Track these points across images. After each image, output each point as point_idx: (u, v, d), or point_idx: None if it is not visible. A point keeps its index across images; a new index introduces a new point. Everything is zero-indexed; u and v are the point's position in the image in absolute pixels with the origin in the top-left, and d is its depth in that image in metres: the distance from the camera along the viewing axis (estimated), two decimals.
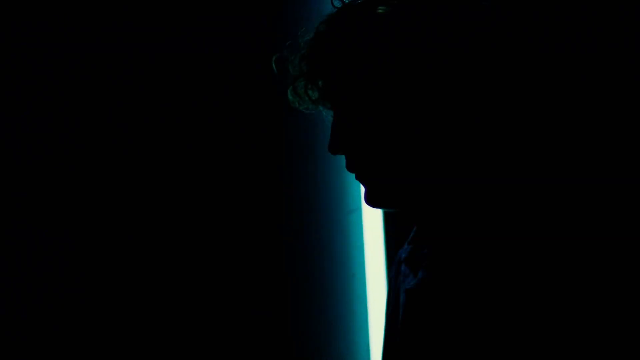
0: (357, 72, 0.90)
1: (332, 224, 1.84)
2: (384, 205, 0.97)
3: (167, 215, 1.71)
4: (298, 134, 1.81)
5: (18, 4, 1.64)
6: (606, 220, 0.85)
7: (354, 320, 1.84)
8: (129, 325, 1.66)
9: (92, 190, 1.66)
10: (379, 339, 1.81)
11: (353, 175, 0.97)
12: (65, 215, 1.64)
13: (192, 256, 1.72)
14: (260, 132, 1.78)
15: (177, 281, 1.70)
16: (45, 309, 1.61)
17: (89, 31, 1.67)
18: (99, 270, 1.65)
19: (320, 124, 1.09)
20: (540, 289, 0.82)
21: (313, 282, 1.82)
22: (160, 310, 1.68)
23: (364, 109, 0.91)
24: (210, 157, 1.74)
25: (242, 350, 1.74)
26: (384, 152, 0.91)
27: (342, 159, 0.97)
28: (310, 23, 0.98)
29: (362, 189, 0.98)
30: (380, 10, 0.89)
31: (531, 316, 0.81)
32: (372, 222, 1.83)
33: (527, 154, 0.89)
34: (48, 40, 1.66)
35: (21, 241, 1.61)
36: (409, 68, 0.87)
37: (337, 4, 0.95)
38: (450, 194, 0.92)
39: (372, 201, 0.95)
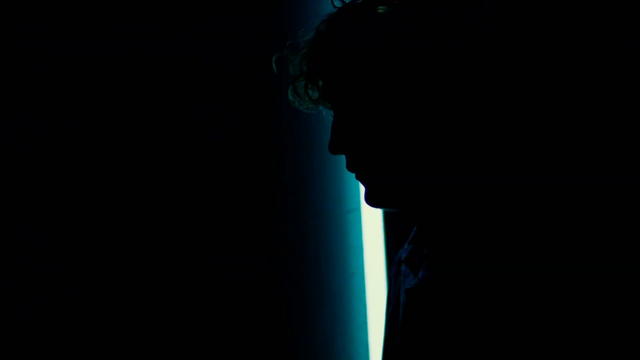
0: (357, 72, 0.90)
1: (331, 224, 1.84)
2: (384, 204, 0.97)
3: (167, 215, 1.71)
4: (297, 134, 1.81)
5: (18, 3, 1.64)
6: (607, 220, 0.85)
7: (353, 320, 1.84)
8: (128, 325, 1.66)
9: (91, 190, 1.66)
10: (378, 338, 1.81)
11: (352, 175, 0.97)
12: (65, 215, 1.64)
13: (191, 256, 1.72)
14: (259, 132, 1.78)
15: (177, 281, 1.70)
16: (45, 309, 1.61)
17: (85, 31, 1.67)
18: (99, 270, 1.65)
19: (320, 123, 1.09)
20: (540, 289, 0.82)
21: (312, 281, 1.82)
22: (161, 310, 1.68)
23: (364, 109, 0.91)
24: (208, 157, 1.74)
25: (241, 350, 1.74)
26: (384, 151, 0.91)
27: (341, 159, 0.97)
28: (309, 23, 0.98)
29: (362, 189, 0.98)
30: (380, 10, 0.89)
31: (531, 316, 0.81)
32: (372, 222, 1.83)
33: (528, 154, 0.89)
34: (48, 40, 1.66)
35: (21, 241, 1.61)
36: (409, 68, 0.87)
37: (338, 3, 0.95)
38: (450, 193, 0.92)
39: (372, 201, 0.95)
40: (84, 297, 1.63)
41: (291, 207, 1.81)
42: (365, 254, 1.85)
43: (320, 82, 0.98)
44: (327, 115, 1.02)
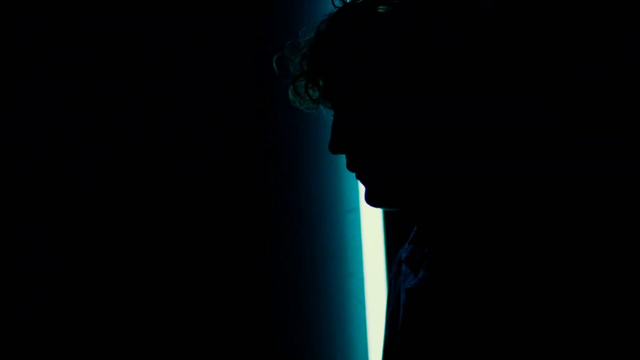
0: (357, 71, 0.90)
1: (330, 224, 1.84)
2: (385, 204, 0.97)
3: (167, 216, 1.71)
4: (296, 134, 1.81)
5: (18, 3, 1.64)
6: (608, 219, 0.84)
7: (352, 319, 1.84)
8: (128, 325, 1.66)
9: (91, 190, 1.66)
10: (377, 338, 1.81)
11: (351, 175, 0.97)
12: (65, 215, 1.64)
13: (190, 256, 1.72)
14: (258, 131, 1.78)
15: (177, 281, 1.70)
16: (45, 309, 1.61)
17: (84, 31, 1.68)
18: (99, 270, 1.65)
19: (319, 123, 1.09)
20: (541, 289, 0.82)
21: (310, 281, 1.82)
22: (161, 310, 1.68)
23: (365, 109, 0.91)
24: (207, 157, 1.74)
25: (239, 350, 1.74)
26: (384, 151, 0.91)
27: (340, 159, 0.97)
28: (310, 22, 0.98)
29: (362, 189, 0.98)
30: (381, 10, 0.89)
31: (532, 316, 0.81)
32: (371, 222, 1.83)
33: (529, 154, 0.89)
34: (48, 40, 1.66)
35: (21, 241, 1.61)
36: (409, 67, 0.87)
37: (338, 3, 0.95)
38: (451, 193, 0.92)
39: (372, 201, 0.95)
40: (84, 297, 1.63)
41: (290, 206, 1.81)
42: (364, 253, 1.85)
43: (320, 82, 0.98)
44: (328, 115, 1.02)
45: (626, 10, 0.89)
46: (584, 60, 0.87)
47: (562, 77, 0.86)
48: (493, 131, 0.88)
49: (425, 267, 0.97)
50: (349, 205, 1.85)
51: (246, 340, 1.74)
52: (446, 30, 0.85)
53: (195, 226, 1.73)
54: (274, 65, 1.05)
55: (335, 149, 0.95)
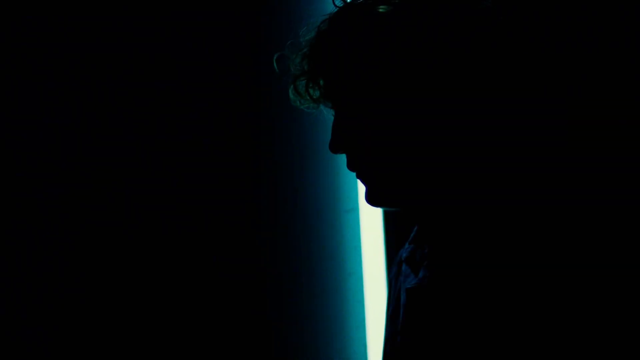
0: (358, 71, 0.90)
1: (328, 224, 1.84)
2: (385, 204, 0.97)
3: (166, 216, 1.71)
4: (295, 134, 1.81)
5: (18, 3, 1.64)
6: (608, 220, 0.84)
7: (350, 319, 1.84)
8: (127, 325, 1.66)
9: (91, 190, 1.66)
10: (376, 338, 1.81)
11: (350, 175, 0.97)
12: (65, 215, 1.64)
13: (189, 256, 1.72)
14: (257, 131, 1.78)
15: (177, 281, 1.70)
16: (45, 309, 1.61)
17: (83, 31, 1.68)
18: (99, 270, 1.65)
19: (318, 123, 1.09)
20: (541, 289, 0.82)
21: (310, 281, 1.82)
22: (161, 310, 1.68)
23: (365, 108, 0.91)
24: (206, 157, 1.74)
25: (238, 349, 1.73)
26: (384, 151, 0.91)
27: (339, 159, 0.97)
28: (310, 22, 0.98)
29: (361, 189, 0.98)
30: (381, 10, 0.89)
31: (532, 316, 0.81)
32: (371, 222, 1.83)
33: (529, 154, 0.89)
34: (47, 40, 1.66)
35: (21, 241, 1.61)
36: (410, 67, 0.87)
37: (339, 3, 0.95)
38: (451, 193, 0.92)
39: (372, 200, 0.95)
40: (84, 297, 1.63)
41: (288, 206, 1.81)
42: (363, 253, 1.85)
43: (321, 81, 0.98)
44: (328, 115, 1.02)
45: (626, 10, 0.89)
46: (584, 60, 0.87)
47: (562, 77, 0.86)
48: (493, 131, 0.88)
49: (425, 266, 0.97)
50: (348, 205, 1.85)
51: (242, 340, 1.74)
52: (446, 30, 0.85)
53: (194, 226, 1.73)
54: (275, 65, 1.05)
55: (335, 148, 0.95)
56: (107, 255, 1.66)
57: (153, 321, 1.68)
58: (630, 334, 0.77)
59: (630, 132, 0.91)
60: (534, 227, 0.87)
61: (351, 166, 0.95)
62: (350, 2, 0.94)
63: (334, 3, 0.96)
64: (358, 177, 0.96)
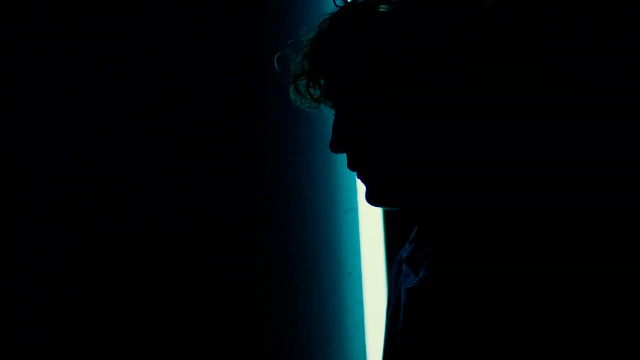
0: (359, 70, 0.90)
1: (328, 224, 1.84)
2: (385, 203, 0.97)
3: (166, 216, 1.71)
4: (294, 133, 1.81)
5: (18, 3, 1.64)
6: (608, 220, 0.85)
7: (349, 319, 1.84)
8: (126, 325, 1.66)
9: (91, 190, 1.66)
10: (375, 338, 1.81)
11: (350, 175, 0.97)
12: (65, 215, 1.64)
13: (189, 256, 1.72)
14: (256, 130, 1.78)
15: (177, 281, 1.70)
16: (45, 309, 1.61)
17: (82, 31, 1.68)
18: (99, 270, 1.65)
19: (318, 122, 1.09)
20: (541, 289, 0.82)
21: (308, 280, 1.82)
22: (161, 310, 1.68)
23: (366, 108, 0.91)
24: (205, 157, 1.74)
25: (237, 349, 1.73)
26: (385, 150, 0.91)
27: (339, 159, 0.97)
28: (311, 22, 0.98)
29: (361, 188, 0.98)
30: (382, 9, 0.89)
31: (532, 316, 0.81)
32: (370, 222, 1.83)
33: (530, 155, 0.90)
34: (47, 40, 1.66)
35: (21, 241, 1.61)
36: (410, 67, 0.87)
37: (340, 2, 0.95)
38: (452, 192, 0.92)
39: (373, 200, 0.95)
40: (84, 297, 1.63)
41: (288, 206, 1.81)
42: (362, 253, 1.85)
43: (321, 81, 0.98)
44: (328, 114, 1.02)
45: (626, 10, 0.89)
46: (585, 60, 0.87)
47: (563, 77, 0.86)
48: (494, 131, 0.88)
49: (425, 266, 0.97)
50: (347, 205, 1.85)
51: (241, 339, 1.74)
52: (447, 30, 0.85)
53: (194, 226, 1.72)
54: (275, 64, 1.05)
55: (336, 147, 0.95)
56: (107, 255, 1.66)
57: (153, 321, 1.68)
58: (630, 334, 0.77)
59: (630, 132, 0.91)
60: (534, 227, 0.87)
61: (351, 166, 0.95)
62: (351, 1, 0.94)
63: (334, 2, 0.96)
64: (358, 176, 0.96)
